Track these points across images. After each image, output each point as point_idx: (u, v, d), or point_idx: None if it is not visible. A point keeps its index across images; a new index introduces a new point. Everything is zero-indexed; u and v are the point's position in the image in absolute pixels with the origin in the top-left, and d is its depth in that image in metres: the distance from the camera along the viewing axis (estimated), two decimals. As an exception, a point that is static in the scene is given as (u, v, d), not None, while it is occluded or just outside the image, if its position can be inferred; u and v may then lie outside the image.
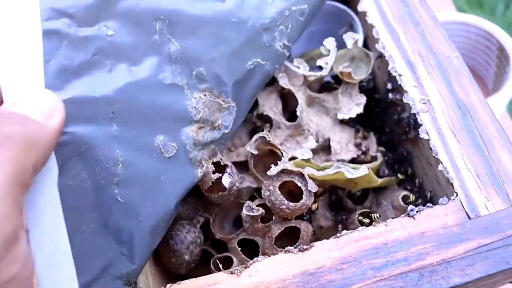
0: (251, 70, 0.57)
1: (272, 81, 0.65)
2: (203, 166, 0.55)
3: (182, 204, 0.58)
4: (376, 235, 0.51)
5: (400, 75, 0.59)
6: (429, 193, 0.58)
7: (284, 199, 0.54)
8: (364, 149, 0.62)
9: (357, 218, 0.58)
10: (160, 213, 0.51)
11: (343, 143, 0.62)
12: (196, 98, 0.54)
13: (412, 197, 0.59)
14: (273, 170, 0.55)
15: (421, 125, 0.56)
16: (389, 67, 0.59)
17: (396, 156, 0.64)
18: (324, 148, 0.62)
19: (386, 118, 0.65)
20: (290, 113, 0.64)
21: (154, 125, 0.52)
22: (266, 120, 0.62)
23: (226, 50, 0.56)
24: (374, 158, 0.63)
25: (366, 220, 0.58)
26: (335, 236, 0.52)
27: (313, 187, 0.54)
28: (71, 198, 0.47)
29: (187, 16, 0.56)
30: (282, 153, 0.56)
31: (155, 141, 0.52)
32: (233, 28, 0.57)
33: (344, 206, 0.63)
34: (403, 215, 0.52)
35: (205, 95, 0.55)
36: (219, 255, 0.59)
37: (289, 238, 0.57)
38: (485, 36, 0.84)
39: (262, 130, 0.60)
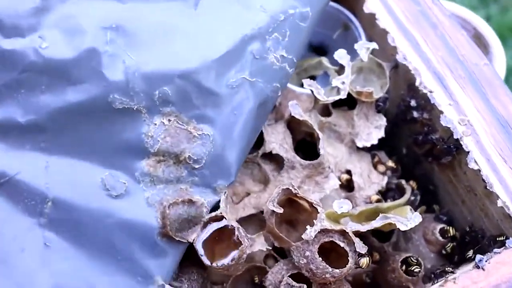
0: (235, 88, 0.45)
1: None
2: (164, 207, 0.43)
3: (188, 279, 0.46)
4: (447, 297, 0.43)
5: (431, 91, 0.49)
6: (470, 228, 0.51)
7: (327, 266, 0.43)
8: (388, 177, 0.53)
9: (400, 267, 0.49)
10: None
11: (365, 175, 0.52)
12: (156, 124, 0.43)
13: (452, 231, 0.51)
14: (310, 232, 0.43)
15: (468, 152, 0.47)
16: (417, 83, 0.50)
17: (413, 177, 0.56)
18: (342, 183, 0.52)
19: (399, 136, 0.56)
20: (294, 144, 0.52)
21: (97, 157, 0.43)
22: (274, 159, 0.50)
23: (198, 64, 0.44)
24: (397, 187, 0.54)
25: (416, 268, 0.48)
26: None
27: (361, 247, 0.44)
28: None
29: (148, 25, 0.45)
30: (316, 208, 0.45)
31: (98, 177, 0.43)
32: (207, 38, 0.46)
33: (369, 244, 0.54)
34: (471, 267, 0.44)
35: (169, 120, 0.44)
36: None
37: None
38: (460, 23, 0.76)
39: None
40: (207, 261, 0.43)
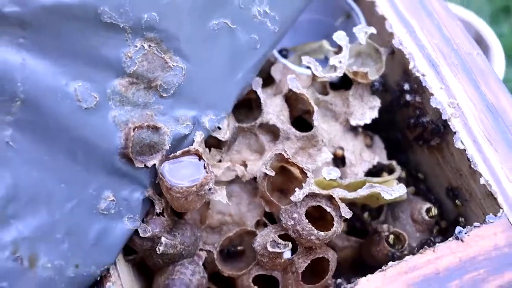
0: (216, 31, 0.48)
1: (269, 82, 0.55)
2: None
3: (181, 234, 0.48)
4: (425, 264, 0.45)
5: (423, 75, 0.52)
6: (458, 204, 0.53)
7: (313, 228, 0.45)
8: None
9: (386, 239, 0.51)
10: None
11: (357, 153, 0.54)
12: (136, 47, 0.44)
13: (434, 211, 0.53)
14: (298, 195, 0.46)
15: (454, 132, 0.49)
16: (410, 66, 0.52)
17: (404, 161, 0.58)
18: (335, 159, 0.54)
19: (393, 120, 0.59)
20: (292, 120, 0.54)
21: (74, 65, 0.43)
22: (271, 130, 0.52)
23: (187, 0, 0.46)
24: (388, 167, 0.56)
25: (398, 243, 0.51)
26: (380, 269, 0.44)
27: (347, 213, 0.46)
28: None
29: None
30: (306, 173, 0.47)
31: (71, 86, 0.42)
32: None
33: (361, 222, 0.56)
34: (451, 238, 0.46)
35: (150, 46, 0.45)
36: (230, 296, 0.50)
37: (308, 268, 0.48)
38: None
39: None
40: (169, 180, 0.44)
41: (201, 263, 0.49)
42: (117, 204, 0.45)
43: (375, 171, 0.56)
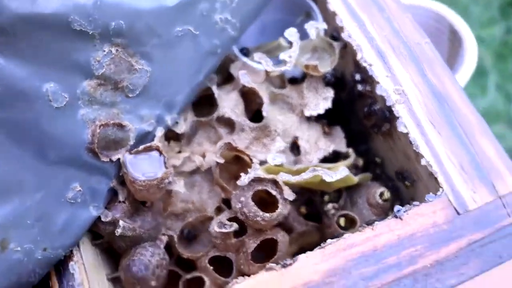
0: (179, 37, 0.52)
1: (230, 79, 0.59)
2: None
3: (142, 220, 0.52)
4: (364, 241, 0.47)
5: (370, 65, 0.54)
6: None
7: (258, 210, 0.49)
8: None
9: (337, 221, 0.54)
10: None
11: (312, 142, 0.57)
12: (104, 51, 0.48)
13: (387, 194, 0.55)
14: (244, 179, 0.49)
15: (397, 117, 0.52)
16: (358, 57, 0.55)
17: (365, 150, 0.60)
18: (293, 148, 0.57)
19: (353, 111, 0.61)
20: (252, 113, 0.58)
21: (47, 68, 0.47)
22: (228, 123, 0.56)
23: (155, 7, 0.50)
24: (344, 155, 0.59)
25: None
26: (319, 246, 0.47)
27: (290, 195, 0.49)
28: None
29: None
30: (251, 159, 0.50)
31: (43, 86, 0.46)
32: None
33: (317, 208, 0.58)
34: (390, 216, 0.48)
35: (117, 50, 0.49)
36: (189, 276, 0.53)
37: (263, 249, 0.51)
38: (436, 18, 0.81)
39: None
40: (132, 174, 0.49)
41: (162, 246, 0.53)
42: (83, 194, 0.50)
43: (334, 160, 0.59)
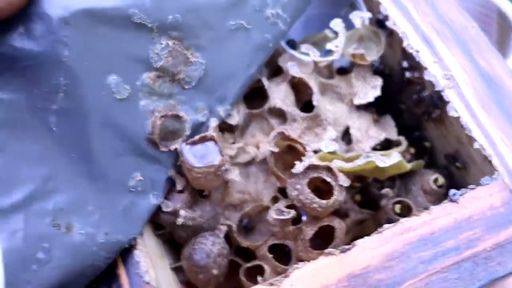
0: (233, 31, 0.54)
1: (278, 72, 0.61)
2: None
3: (201, 210, 0.54)
4: (421, 225, 0.48)
5: (417, 51, 0.55)
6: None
7: (314, 197, 0.50)
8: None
9: (392, 208, 0.55)
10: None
11: (363, 130, 0.58)
12: (162, 44, 0.51)
13: (441, 180, 0.55)
14: (299, 167, 0.50)
15: (448, 102, 0.52)
16: (404, 44, 0.55)
17: (417, 137, 0.61)
18: (344, 137, 0.58)
19: (401, 99, 0.62)
20: (302, 104, 0.59)
21: (109, 62, 0.49)
22: (279, 114, 0.57)
23: (206, 2, 0.52)
24: (396, 142, 0.59)
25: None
26: (376, 231, 0.48)
27: (344, 181, 0.50)
28: (3, 112, 0.46)
29: None
30: (304, 148, 0.52)
31: (107, 79, 0.49)
32: None
33: (371, 196, 0.59)
34: (446, 200, 0.49)
35: (174, 43, 0.51)
36: (249, 265, 0.55)
37: (320, 238, 0.53)
38: (482, 3, 0.81)
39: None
40: (190, 162, 0.50)
41: (221, 235, 0.55)
42: (144, 182, 0.52)
43: (385, 148, 0.59)
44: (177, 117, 0.52)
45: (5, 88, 0.46)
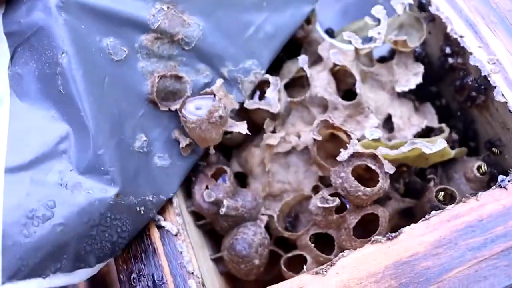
0: None
1: (318, 61, 0.60)
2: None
3: (243, 200, 0.54)
4: (468, 212, 0.47)
5: (461, 36, 0.54)
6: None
7: (359, 185, 0.49)
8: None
9: (436, 196, 0.54)
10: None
11: (405, 118, 0.57)
12: (157, 8, 0.52)
13: (484, 167, 0.54)
14: (344, 154, 0.50)
15: (494, 87, 0.51)
16: (448, 29, 0.54)
17: (459, 125, 0.60)
18: (385, 125, 0.57)
19: (443, 86, 0.61)
20: (342, 93, 0.59)
21: (105, 25, 0.50)
22: (320, 103, 0.57)
23: None
24: (438, 130, 0.58)
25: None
26: (424, 218, 0.47)
27: (390, 168, 0.49)
28: (19, 86, 0.48)
29: None
30: (349, 135, 0.51)
31: (103, 41, 0.50)
32: None
33: (411, 184, 0.58)
34: (494, 186, 0.47)
35: (168, 8, 0.53)
36: (290, 255, 0.55)
37: (362, 226, 0.52)
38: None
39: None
40: (184, 114, 0.51)
41: (262, 225, 0.55)
42: (149, 143, 0.52)
43: (426, 135, 0.58)
44: (177, 78, 0.53)
45: (19, 63, 0.49)
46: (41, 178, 0.45)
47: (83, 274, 0.48)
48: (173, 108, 0.52)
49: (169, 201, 0.53)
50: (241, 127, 0.52)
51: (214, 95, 0.52)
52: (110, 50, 0.50)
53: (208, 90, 0.53)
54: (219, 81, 0.54)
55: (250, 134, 0.53)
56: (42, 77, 0.48)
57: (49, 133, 0.47)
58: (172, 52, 0.53)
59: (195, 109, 0.52)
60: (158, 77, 0.51)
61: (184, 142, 0.53)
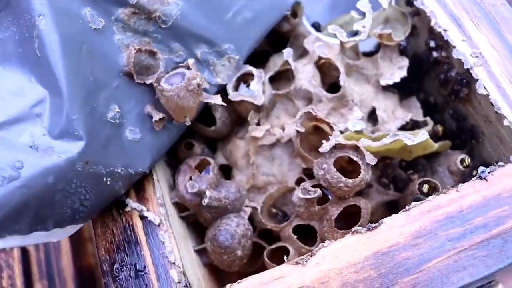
0: None
1: (303, 54, 0.60)
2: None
3: (226, 195, 0.54)
4: (449, 202, 0.47)
5: (445, 30, 0.54)
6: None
7: (341, 176, 0.49)
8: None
9: (419, 188, 0.54)
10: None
11: (390, 111, 0.57)
12: None
13: (467, 160, 0.54)
14: (326, 146, 0.50)
15: (477, 80, 0.51)
16: (432, 23, 0.55)
17: (443, 118, 0.60)
18: (369, 119, 0.58)
19: (428, 80, 0.61)
20: (327, 87, 0.59)
21: None
22: (305, 96, 0.57)
23: None
24: (422, 123, 0.59)
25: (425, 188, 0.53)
26: (404, 209, 0.47)
27: (371, 159, 0.49)
28: (1, 51, 0.49)
29: None
30: (332, 127, 0.51)
31: (82, 9, 0.50)
32: None
33: (396, 177, 0.59)
34: (474, 178, 0.48)
35: None
36: (273, 246, 0.55)
37: (345, 218, 0.52)
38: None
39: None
40: (162, 85, 0.51)
41: (246, 217, 0.55)
42: (121, 115, 0.52)
43: (411, 128, 0.59)
44: (151, 53, 0.53)
45: (0, 28, 0.49)
46: (12, 139, 0.46)
47: (38, 237, 0.48)
48: (147, 81, 0.53)
49: (153, 191, 0.53)
50: (216, 99, 0.53)
51: (189, 68, 0.52)
52: (88, 19, 0.50)
53: (181, 64, 0.54)
54: (191, 60, 0.54)
55: (225, 105, 0.55)
56: (22, 41, 0.48)
57: (25, 96, 0.47)
58: (148, 28, 0.54)
59: (169, 84, 0.52)
60: (134, 50, 0.52)
61: (157, 116, 0.53)
